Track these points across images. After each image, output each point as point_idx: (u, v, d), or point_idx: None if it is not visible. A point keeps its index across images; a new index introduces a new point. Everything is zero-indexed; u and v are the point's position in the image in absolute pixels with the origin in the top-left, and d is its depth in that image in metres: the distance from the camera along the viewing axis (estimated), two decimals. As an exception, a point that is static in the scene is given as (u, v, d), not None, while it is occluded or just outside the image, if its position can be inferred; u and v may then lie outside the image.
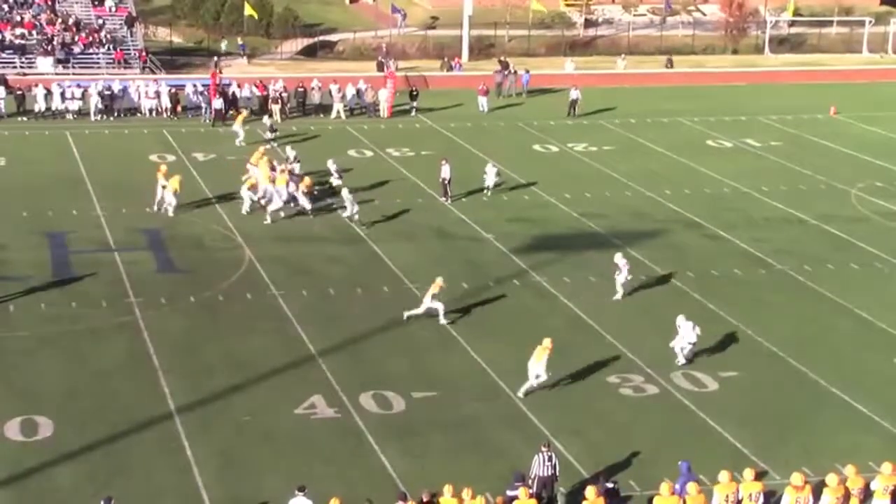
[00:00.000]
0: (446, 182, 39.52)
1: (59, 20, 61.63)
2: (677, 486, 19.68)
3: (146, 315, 28.97)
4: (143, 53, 60.62)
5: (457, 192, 39.79)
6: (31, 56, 58.41)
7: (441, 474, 20.81)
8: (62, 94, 50.57)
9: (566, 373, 25.74)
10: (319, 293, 30.87)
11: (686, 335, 26.58)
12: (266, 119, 49.33)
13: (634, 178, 43.20)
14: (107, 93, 51.09)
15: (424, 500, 19.25)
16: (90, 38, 60.40)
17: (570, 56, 70.01)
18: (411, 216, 37.90)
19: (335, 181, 38.88)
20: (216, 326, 28.55)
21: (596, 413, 24.57)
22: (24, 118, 50.30)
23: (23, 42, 59.08)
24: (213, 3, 75.50)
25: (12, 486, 21.04)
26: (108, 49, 59.92)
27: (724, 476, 19.58)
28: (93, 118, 50.52)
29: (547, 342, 24.99)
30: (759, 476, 20.94)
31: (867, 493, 19.99)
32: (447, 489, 18.98)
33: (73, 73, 56.87)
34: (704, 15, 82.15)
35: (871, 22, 77.18)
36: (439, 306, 28.69)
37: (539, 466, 20.49)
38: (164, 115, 51.68)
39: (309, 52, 71.11)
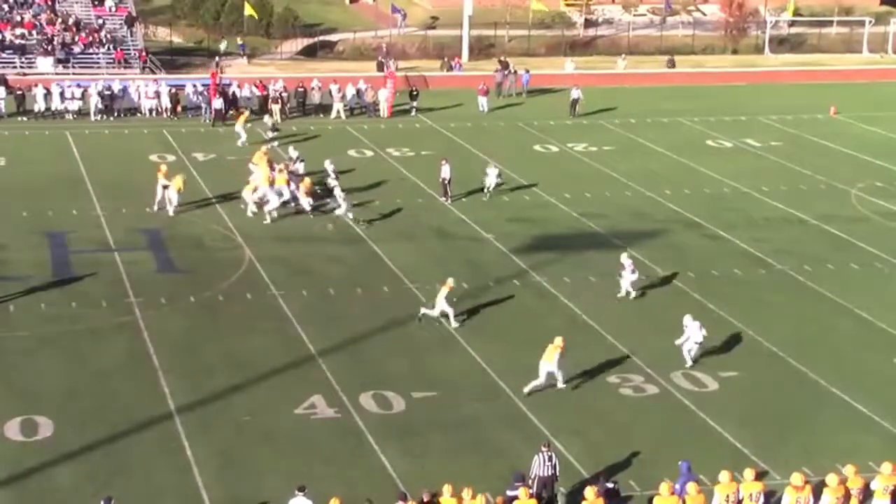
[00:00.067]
0: (446, 182, 39.52)
1: (59, 20, 61.63)
2: (677, 486, 19.69)
3: (146, 315, 28.97)
4: (143, 53, 60.61)
5: (457, 192, 39.79)
6: (31, 56, 58.40)
7: (441, 474, 20.81)
8: (62, 94, 50.57)
9: (566, 373, 25.69)
10: (319, 293, 30.87)
11: (693, 335, 26.58)
12: (267, 119, 49.35)
13: (634, 178, 43.20)
14: (107, 93, 51.09)
15: (424, 500, 19.25)
16: (90, 38, 60.39)
17: (570, 56, 70.00)
18: (411, 216, 37.90)
19: (331, 181, 38.89)
20: (216, 326, 28.55)
21: (596, 413, 24.57)
22: (24, 118, 50.30)
23: (23, 42, 59.07)
24: (213, 3, 75.48)
25: (12, 486, 21.05)
26: (108, 49, 59.92)
27: (724, 476, 19.58)
28: (93, 118, 50.52)
29: (558, 341, 25.06)
30: (760, 476, 20.94)
31: (867, 493, 20.01)
32: (447, 489, 18.98)
33: (73, 73, 56.86)
34: (704, 15, 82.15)
35: (871, 22, 77.16)
36: (450, 310, 28.67)
37: (539, 466, 20.49)
38: (164, 115, 51.68)
39: (309, 52, 71.10)
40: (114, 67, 58.67)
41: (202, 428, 23.36)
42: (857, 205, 40.90)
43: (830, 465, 21.46)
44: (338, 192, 36.88)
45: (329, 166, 40.15)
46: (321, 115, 52.85)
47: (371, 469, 22.03)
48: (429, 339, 28.11)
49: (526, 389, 25.05)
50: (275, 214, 36.79)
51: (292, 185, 37.91)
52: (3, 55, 58.02)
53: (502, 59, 65.97)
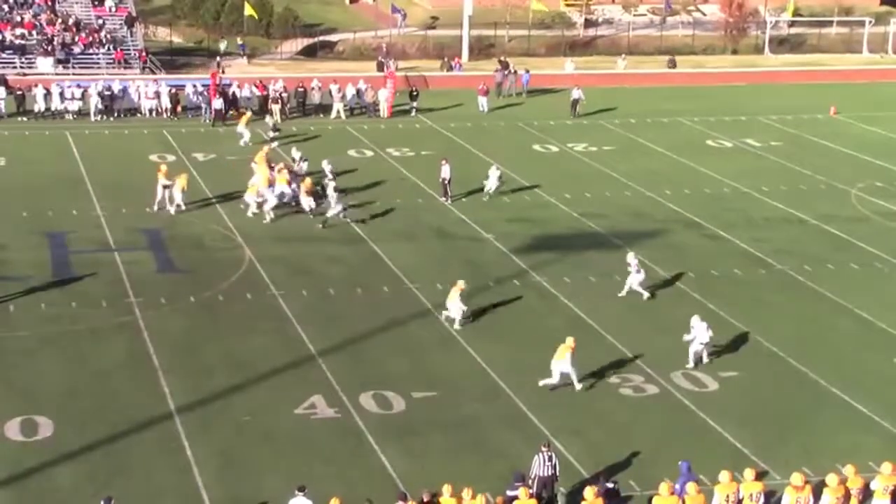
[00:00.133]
0: (446, 182, 39.52)
1: (59, 20, 61.63)
2: (677, 486, 19.69)
3: (146, 315, 28.98)
4: (143, 53, 60.61)
5: (457, 192, 39.79)
6: (31, 56, 58.41)
7: (441, 474, 20.80)
8: (61, 94, 50.56)
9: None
10: (319, 293, 30.88)
11: (699, 336, 26.57)
12: (268, 119, 49.35)
13: (634, 178, 43.20)
14: (107, 93, 51.10)
15: (424, 500, 19.25)
16: (90, 38, 60.39)
17: (570, 56, 70.00)
18: (411, 216, 37.90)
19: (325, 181, 38.89)
20: (216, 326, 28.55)
21: (596, 413, 24.57)
22: (24, 118, 50.31)
23: (23, 42, 59.07)
24: (213, 3, 75.46)
25: (12, 486, 21.05)
26: (108, 49, 59.92)
27: (724, 476, 19.58)
28: (93, 118, 50.52)
29: (570, 341, 25.16)
30: (760, 476, 20.94)
31: (867, 493, 20.01)
32: (446, 489, 18.98)
33: (73, 73, 56.87)
34: (704, 15, 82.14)
35: (871, 22, 77.15)
36: (459, 312, 28.65)
37: (539, 466, 20.50)
38: (164, 116, 51.69)
39: (309, 52, 71.09)
40: (114, 67, 58.67)
41: (202, 428, 23.36)
42: (857, 205, 40.90)
43: (830, 465, 21.46)
44: (330, 191, 36.80)
45: (326, 166, 40.15)
46: (321, 115, 52.85)
47: (371, 469, 22.03)
48: (429, 339, 28.12)
49: (541, 383, 25.14)
50: (272, 215, 36.78)
51: (293, 185, 37.92)
52: (3, 55, 58.03)
53: (502, 59, 65.97)
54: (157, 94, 51.90)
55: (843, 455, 22.25)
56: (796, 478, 19.50)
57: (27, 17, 61.34)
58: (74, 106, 50.69)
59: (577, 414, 24.48)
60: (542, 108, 56.37)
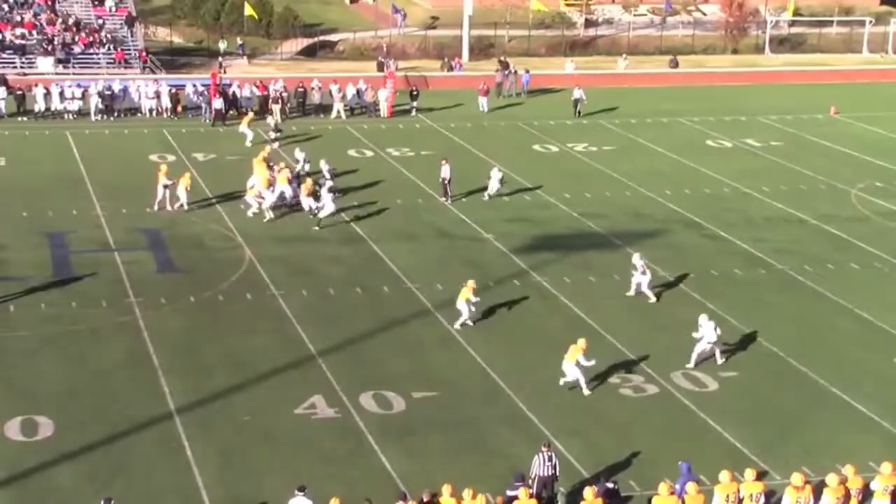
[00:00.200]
0: (446, 182, 39.52)
1: (59, 20, 61.63)
2: (678, 487, 19.69)
3: (146, 315, 28.98)
4: (144, 53, 60.63)
5: (457, 192, 39.79)
6: (31, 56, 58.42)
7: (441, 474, 20.81)
8: (61, 94, 50.56)
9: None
10: (319, 293, 30.88)
11: (707, 335, 26.57)
12: (270, 120, 49.35)
13: (634, 178, 43.20)
14: (107, 93, 51.11)
15: (424, 500, 19.24)
16: (90, 38, 60.41)
17: (571, 56, 70.01)
18: (411, 216, 37.90)
19: (321, 180, 38.91)
20: (216, 326, 28.55)
21: (596, 413, 24.57)
22: (25, 118, 50.32)
23: (23, 42, 59.09)
24: (213, 3, 75.48)
25: (12, 486, 21.05)
26: (109, 49, 59.94)
27: (724, 476, 19.58)
28: (93, 118, 50.53)
29: (581, 342, 25.24)
30: (760, 476, 20.94)
31: (867, 493, 20.01)
32: (446, 489, 18.97)
33: (73, 73, 56.88)
34: (704, 15, 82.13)
35: (871, 22, 77.15)
36: (462, 316, 28.64)
37: (539, 466, 20.50)
38: (165, 115, 51.70)
39: (309, 52, 71.09)
40: (114, 67, 58.69)
41: (202, 428, 23.35)
42: (857, 205, 40.90)
43: (830, 465, 21.45)
44: (324, 191, 36.75)
45: (324, 167, 40.14)
46: (321, 115, 52.86)
47: (371, 469, 22.03)
48: (429, 339, 28.12)
49: (561, 381, 25.18)
50: (271, 214, 36.79)
51: (293, 185, 37.93)
52: (3, 55, 58.05)
53: (502, 59, 65.99)
54: (158, 94, 51.91)
55: (843, 455, 22.23)
56: (796, 478, 19.49)
57: (27, 16, 61.35)
58: (74, 106, 50.70)
59: (577, 414, 24.48)
60: (542, 108, 56.38)
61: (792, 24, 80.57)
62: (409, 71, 63.13)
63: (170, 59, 64.46)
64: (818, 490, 19.75)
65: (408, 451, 22.68)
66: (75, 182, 40.69)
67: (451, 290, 30.15)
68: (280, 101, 51.12)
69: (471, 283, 28.80)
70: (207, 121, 50.70)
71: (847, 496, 19.70)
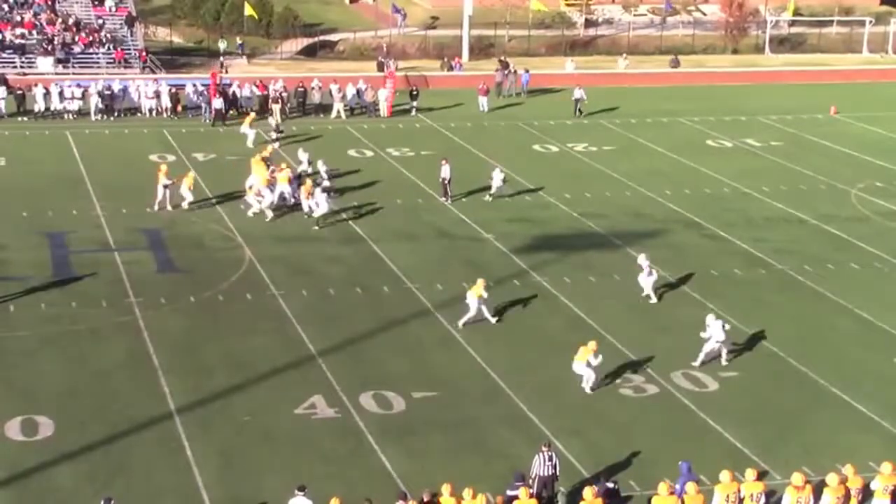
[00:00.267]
0: (446, 182, 39.51)
1: (59, 20, 61.63)
2: (678, 487, 19.69)
3: (146, 315, 28.98)
4: (143, 53, 60.63)
5: (457, 192, 39.79)
6: (31, 56, 58.41)
7: (441, 474, 20.80)
8: (61, 94, 50.56)
9: (566, 373, 25.70)
10: (319, 293, 30.88)
11: (715, 334, 26.57)
12: (271, 120, 49.34)
13: (634, 178, 43.20)
14: (107, 93, 51.10)
15: (424, 500, 19.25)
16: (90, 38, 60.40)
17: (571, 56, 70.01)
18: (411, 216, 37.90)
19: (320, 180, 38.91)
20: (216, 326, 28.55)
21: (596, 413, 24.57)
22: (24, 118, 50.32)
23: (23, 42, 59.08)
24: (213, 3, 75.49)
25: (12, 486, 21.05)
26: (108, 49, 59.94)
27: (725, 476, 19.58)
28: (93, 118, 50.53)
29: (592, 344, 25.31)
30: (761, 476, 20.94)
31: (867, 493, 20.01)
32: (446, 489, 18.97)
33: (73, 73, 56.87)
34: (704, 15, 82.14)
35: (871, 22, 77.16)
36: (471, 313, 28.61)
37: (539, 466, 20.50)
38: (165, 115, 51.69)
39: (309, 52, 71.10)
40: (114, 67, 58.68)
41: (202, 428, 23.35)
42: (857, 205, 40.90)
43: (830, 465, 21.46)
44: (318, 191, 36.72)
45: (322, 167, 40.14)
46: (321, 115, 52.85)
47: (371, 469, 22.03)
48: (429, 339, 28.12)
49: (585, 387, 25.21)
50: (271, 213, 36.80)
51: (293, 185, 37.93)
52: (3, 55, 58.04)
53: (502, 59, 65.97)
54: (158, 94, 51.89)
55: (843, 455, 22.24)
56: (796, 478, 19.50)
57: (27, 16, 61.35)
58: (74, 106, 50.69)
59: (577, 414, 24.48)
60: (542, 108, 56.38)
61: (792, 24, 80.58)
62: (409, 71, 63.14)
63: (170, 58, 64.48)
64: (818, 490, 19.76)
65: (408, 451, 22.68)
66: (75, 182, 40.68)
67: (451, 291, 30.16)
68: (280, 100, 51.09)
69: (481, 282, 28.78)
70: (207, 121, 50.70)
71: (847, 496, 19.71)
